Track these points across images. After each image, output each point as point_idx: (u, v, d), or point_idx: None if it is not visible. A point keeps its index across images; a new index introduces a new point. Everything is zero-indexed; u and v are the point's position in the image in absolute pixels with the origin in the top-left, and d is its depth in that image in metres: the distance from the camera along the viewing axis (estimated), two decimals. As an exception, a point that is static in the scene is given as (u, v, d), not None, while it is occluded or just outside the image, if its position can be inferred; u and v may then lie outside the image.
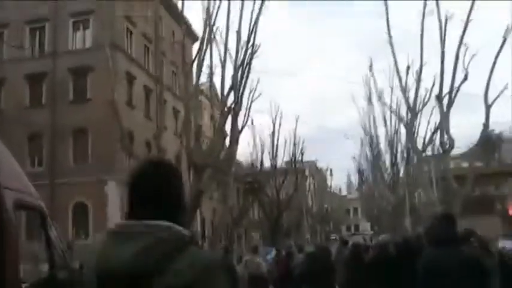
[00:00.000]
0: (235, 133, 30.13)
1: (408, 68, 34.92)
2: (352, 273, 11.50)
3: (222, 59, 28.70)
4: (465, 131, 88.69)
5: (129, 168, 32.87)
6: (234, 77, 28.53)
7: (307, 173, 75.57)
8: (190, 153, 26.31)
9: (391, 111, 41.21)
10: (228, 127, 29.50)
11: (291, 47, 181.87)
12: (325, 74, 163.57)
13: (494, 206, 40.79)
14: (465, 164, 35.12)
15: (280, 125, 51.96)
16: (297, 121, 68.25)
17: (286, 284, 14.97)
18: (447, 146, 28.80)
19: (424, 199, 47.45)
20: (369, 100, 44.90)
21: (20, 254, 5.03)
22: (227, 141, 30.30)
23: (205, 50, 28.03)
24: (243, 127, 32.51)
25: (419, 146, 34.77)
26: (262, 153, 51.91)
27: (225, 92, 28.71)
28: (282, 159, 55.49)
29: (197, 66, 28.24)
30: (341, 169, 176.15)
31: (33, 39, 37.63)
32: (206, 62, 28.48)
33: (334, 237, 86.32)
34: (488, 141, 40.98)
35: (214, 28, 28.23)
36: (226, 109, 28.62)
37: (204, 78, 29.70)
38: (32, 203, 5.82)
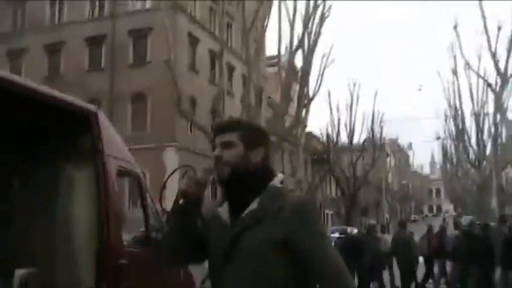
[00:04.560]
0: (304, 97, 27.91)
1: (499, 29, 31.94)
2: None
3: (291, 17, 26.72)
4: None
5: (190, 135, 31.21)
6: (302, 34, 26.42)
7: (387, 150, 72.43)
8: (251, 117, 23.98)
9: (478, 77, 37.40)
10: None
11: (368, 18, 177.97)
12: (406, 46, 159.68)
13: None
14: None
15: (358, 97, 49.42)
16: (375, 95, 65.94)
17: (439, 260, 14.26)
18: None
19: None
20: (454, 69, 40.90)
21: (122, 216, 5.84)
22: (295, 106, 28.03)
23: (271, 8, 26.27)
24: (314, 95, 30.92)
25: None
26: (339, 125, 49.42)
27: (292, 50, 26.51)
28: (360, 135, 53.15)
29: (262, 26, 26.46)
30: (425, 148, 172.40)
31: (93, 1, 36.25)
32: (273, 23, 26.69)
33: (413, 219, 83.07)
34: None
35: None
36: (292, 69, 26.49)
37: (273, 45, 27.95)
38: (131, 170, 6.27)
